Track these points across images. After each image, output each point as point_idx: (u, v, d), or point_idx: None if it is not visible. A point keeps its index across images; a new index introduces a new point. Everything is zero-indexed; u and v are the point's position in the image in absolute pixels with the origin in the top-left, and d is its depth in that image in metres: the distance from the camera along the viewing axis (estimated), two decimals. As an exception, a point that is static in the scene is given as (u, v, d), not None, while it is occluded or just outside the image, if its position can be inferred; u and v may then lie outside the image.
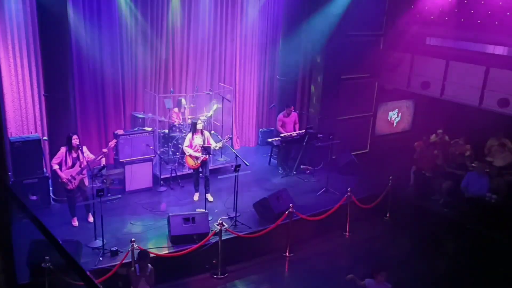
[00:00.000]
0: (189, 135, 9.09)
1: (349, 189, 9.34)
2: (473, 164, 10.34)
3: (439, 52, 11.17)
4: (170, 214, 8.16)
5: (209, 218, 8.34)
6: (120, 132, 9.57)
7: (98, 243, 7.54)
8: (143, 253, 6.64)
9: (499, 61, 10.09)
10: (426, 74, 11.23)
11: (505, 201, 9.36)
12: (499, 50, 10.20)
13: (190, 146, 9.01)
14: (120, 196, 9.15)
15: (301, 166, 11.11)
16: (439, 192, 10.44)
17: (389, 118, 13.28)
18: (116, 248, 7.43)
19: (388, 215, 10.14)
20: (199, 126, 9.02)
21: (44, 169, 8.83)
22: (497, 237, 8.80)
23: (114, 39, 9.92)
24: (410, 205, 10.49)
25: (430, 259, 8.73)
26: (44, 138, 9.07)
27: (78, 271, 1.51)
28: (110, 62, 9.99)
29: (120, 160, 9.38)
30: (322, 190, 10.12)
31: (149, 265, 6.62)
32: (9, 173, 8.29)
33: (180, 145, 9.91)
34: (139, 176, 9.52)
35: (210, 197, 9.19)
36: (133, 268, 6.65)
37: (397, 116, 13.45)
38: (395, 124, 13.48)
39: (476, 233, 9.07)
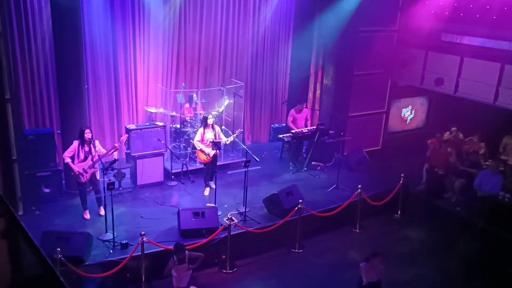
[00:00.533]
0: (201, 130, 9.14)
1: (359, 186, 9.28)
2: (487, 162, 10.20)
3: (453, 48, 11.01)
4: (180, 208, 8.23)
5: (219, 213, 8.38)
6: (132, 126, 9.66)
7: (109, 236, 7.63)
8: (178, 247, 6.77)
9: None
10: (440, 70, 11.08)
11: (519, 200, 9.22)
12: (516, 46, 10.00)
13: (201, 140, 9.06)
14: (131, 189, 9.25)
15: (312, 162, 11.09)
16: (452, 190, 10.32)
17: (402, 115, 13.16)
18: (127, 241, 7.52)
19: (399, 212, 10.06)
20: (210, 121, 9.06)
21: (57, 162, 8.95)
22: (509, 237, 8.67)
23: (127, 33, 10.01)
24: (422, 203, 10.41)
25: (441, 258, 8.64)
26: (58, 131, 9.20)
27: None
28: (123, 57, 10.09)
29: (132, 154, 9.47)
30: (332, 187, 10.09)
31: (187, 252, 6.80)
32: (23, 166, 8.43)
33: (191, 140, 9.96)
34: (150, 170, 9.60)
35: (212, 185, 9.23)
36: (171, 259, 6.80)
37: (411, 113, 13.31)
38: (408, 121, 13.34)
39: (488, 233, 8.96)
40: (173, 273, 6.79)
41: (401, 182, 9.87)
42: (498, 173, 9.53)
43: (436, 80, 11.11)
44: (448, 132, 11.59)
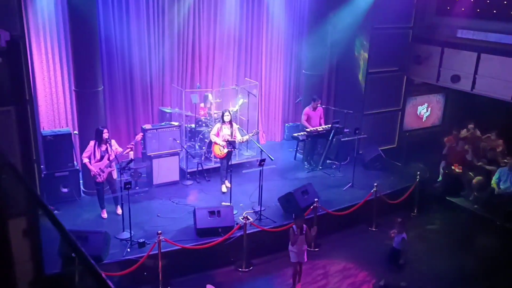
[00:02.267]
0: (218, 124, 9.21)
1: (375, 184, 9.23)
2: (505, 160, 10.06)
3: (470, 44, 10.87)
4: (195, 207, 8.28)
5: (234, 212, 8.41)
6: (148, 126, 9.74)
7: (126, 234, 7.71)
8: (298, 214, 7.35)
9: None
10: (456, 67, 10.96)
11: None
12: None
13: (217, 135, 9.11)
14: (147, 189, 9.33)
15: (327, 161, 11.05)
16: (469, 188, 10.22)
17: (418, 112, 13.04)
18: (143, 240, 7.58)
19: (415, 211, 9.98)
20: (227, 118, 9.10)
21: (75, 162, 9.08)
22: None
23: (142, 34, 10.08)
24: (439, 201, 10.32)
25: (458, 256, 8.55)
26: (75, 132, 9.32)
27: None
28: (138, 58, 10.16)
29: (148, 154, 9.55)
30: (348, 185, 10.04)
31: (304, 225, 7.15)
32: (41, 166, 8.58)
33: (206, 139, 10.02)
34: (166, 169, 9.67)
35: (227, 183, 9.27)
36: (291, 229, 7.15)
37: (427, 110, 13.18)
38: (424, 118, 13.22)
39: (507, 230, 8.84)
40: (292, 248, 7.14)
41: (417, 180, 9.78)
42: (516, 170, 9.39)
43: (452, 77, 10.99)
44: (465, 130, 11.46)
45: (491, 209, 9.53)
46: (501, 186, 9.43)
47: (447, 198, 10.30)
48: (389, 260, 8.16)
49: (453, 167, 10.62)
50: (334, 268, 8.12)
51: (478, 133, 11.39)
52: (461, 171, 10.51)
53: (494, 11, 10.20)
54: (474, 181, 10.09)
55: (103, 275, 1.39)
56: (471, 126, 11.41)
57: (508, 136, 10.92)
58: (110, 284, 1.37)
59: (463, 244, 8.90)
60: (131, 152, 8.89)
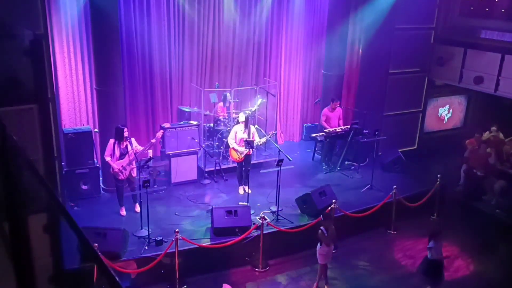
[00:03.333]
0: (235, 128, 9.18)
1: (394, 186, 9.11)
2: (529, 164, 9.83)
3: (494, 46, 10.66)
4: (213, 206, 8.30)
5: (251, 212, 8.40)
6: (167, 125, 9.80)
7: (144, 232, 7.78)
8: (326, 215, 7.47)
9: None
10: (479, 68, 10.76)
11: None
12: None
13: (235, 139, 9.09)
14: (165, 187, 9.39)
15: (346, 162, 10.96)
16: (491, 192, 10.01)
17: (439, 114, 12.84)
18: (161, 238, 7.64)
19: (435, 214, 9.82)
20: (241, 119, 9.07)
21: (95, 159, 9.20)
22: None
23: (162, 34, 10.16)
24: (460, 205, 10.14)
25: (479, 262, 8.38)
26: (95, 130, 9.45)
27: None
28: (158, 57, 10.24)
29: (166, 153, 9.62)
30: (366, 187, 9.94)
31: (332, 226, 7.24)
32: (62, 163, 8.71)
33: (224, 139, 10.03)
34: (184, 168, 9.72)
35: (247, 189, 9.25)
36: (320, 231, 7.20)
37: (448, 112, 12.97)
38: (445, 120, 13.01)
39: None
40: (321, 250, 7.17)
41: (437, 183, 9.63)
42: (541, 175, 9.17)
43: (475, 79, 10.79)
44: (487, 132, 11.23)
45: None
46: (524, 191, 9.22)
47: (468, 202, 10.11)
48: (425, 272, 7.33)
49: (474, 170, 10.42)
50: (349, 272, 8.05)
51: (501, 135, 11.16)
52: (483, 174, 10.31)
53: (520, 12, 9.98)
54: (496, 185, 9.89)
55: (115, 275, 1.41)
56: (494, 128, 11.18)
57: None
58: (120, 284, 1.39)
59: (484, 250, 8.73)
60: (150, 151, 8.97)
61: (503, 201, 9.69)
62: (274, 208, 8.71)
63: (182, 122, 10.15)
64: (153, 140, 8.34)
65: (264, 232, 7.79)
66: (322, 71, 11.72)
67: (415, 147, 12.34)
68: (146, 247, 7.51)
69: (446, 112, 12.93)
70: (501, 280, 7.92)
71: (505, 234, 9.13)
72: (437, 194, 9.69)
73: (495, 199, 9.88)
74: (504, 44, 10.62)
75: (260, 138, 9.29)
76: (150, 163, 8.93)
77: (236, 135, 9.08)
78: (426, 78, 11.92)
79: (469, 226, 9.47)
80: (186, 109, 10.61)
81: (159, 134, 8.53)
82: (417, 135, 12.38)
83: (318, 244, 7.21)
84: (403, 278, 7.89)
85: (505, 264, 8.32)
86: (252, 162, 9.69)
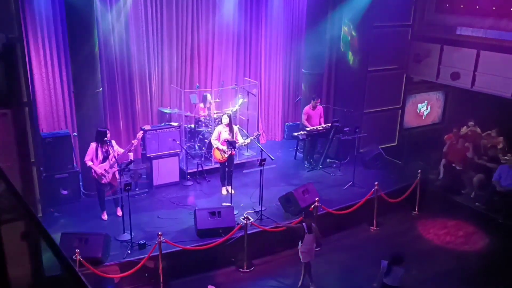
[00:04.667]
0: (218, 128, 9.14)
1: (376, 183, 9.20)
2: (505, 157, 10.03)
3: (469, 42, 10.85)
4: (196, 208, 8.26)
5: (235, 212, 8.38)
6: (147, 127, 9.71)
7: (127, 236, 7.69)
8: (308, 212, 7.53)
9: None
10: (456, 64, 10.95)
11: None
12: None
13: (218, 139, 9.06)
14: (147, 190, 9.31)
15: (328, 160, 11.02)
16: (470, 185, 10.20)
17: (418, 110, 13.02)
18: (144, 241, 7.57)
19: (416, 209, 9.95)
20: (225, 120, 9.04)
21: (75, 164, 9.05)
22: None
23: (140, 35, 10.06)
24: (440, 199, 10.30)
25: (460, 255, 8.52)
26: (74, 134, 9.30)
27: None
28: (137, 59, 10.15)
29: (147, 155, 9.53)
30: (348, 184, 10.02)
31: (313, 224, 7.23)
32: (41, 168, 8.55)
33: (206, 140, 9.99)
34: (166, 170, 9.65)
35: (230, 190, 9.22)
36: (299, 225, 7.26)
37: (427, 108, 13.16)
38: (424, 116, 13.20)
39: (509, 228, 8.82)
40: (302, 248, 7.12)
41: (418, 178, 9.76)
42: (517, 167, 9.37)
43: (452, 75, 10.97)
44: (465, 127, 11.44)
45: (493, 207, 9.51)
46: (502, 184, 9.40)
47: (448, 196, 10.28)
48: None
49: (453, 165, 10.60)
50: (334, 269, 8.10)
51: (478, 130, 11.37)
52: (462, 168, 10.49)
53: (493, 8, 10.18)
54: (475, 178, 10.07)
55: (86, 283, 1.39)
56: (471, 123, 11.39)
57: (508, 133, 10.90)
58: None
59: (465, 243, 8.88)
60: (131, 153, 8.87)
61: (481, 194, 9.87)
62: (257, 208, 8.71)
63: (162, 124, 10.07)
64: (134, 142, 8.26)
65: (248, 232, 7.78)
66: (302, 70, 11.77)
67: (395, 144, 12.48)
68: (129, 251, 7.43)
69: (424, 108, 13.12)
70: (481, 271, 8.07)
71: (484, 226, 9.31)
72: (418, 189, 9.82)
73: (474, 192, 10.06)
74: (479, 40, 10.82)
75: (243, 138, 9.27)
76: (131, 166, 8.84)
77: (220, 135, 9.04)
78: (405, 75, 12.07)
79: (449, 220, 9.63)
80: (167, 110, 10.53)
81: (139, 134, 8.46)
82: (397, 131, 12.53)
83: (300, 243, 7.21)
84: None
85: (483, 255, 8.48)
86: (235, 162, 9.67)
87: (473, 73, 10.59)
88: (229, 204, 8.63)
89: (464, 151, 10.63)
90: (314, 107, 10.78)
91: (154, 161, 9.51)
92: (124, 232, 7.77)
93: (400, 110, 12.43)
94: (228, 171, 9.23)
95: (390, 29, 11.36)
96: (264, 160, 8.44)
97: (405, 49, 11.73)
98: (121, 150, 8.22)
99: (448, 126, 12.22)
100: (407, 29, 11.72)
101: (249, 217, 7.97)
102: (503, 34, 10.38)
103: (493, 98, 10.54)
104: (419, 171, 9.84)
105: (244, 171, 9.33)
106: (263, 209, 8.64)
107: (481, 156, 10.56)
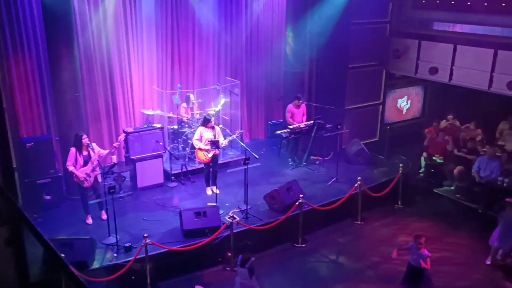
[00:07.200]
0: (200, 128, 9.11)
1: (359, 178, 9.32)
2: (484, 149, 10.26)
3: (446, 37, 11.06)
4: (181, 209, 8.25)
5: (220, 212, 8.41)
6: (130, 129, 9.65)
7: (112, 239, 7.65)
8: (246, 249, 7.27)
9: (507, 43, 9.94)
10: (434, 59, 11.14)
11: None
12: (507, 32, 10.04)
13: (200, 139, 9.04)
14: (132, 192, 9.26)
15: (311, 157, 11.11)
16: (451, 177, 10.40)
17: (398, 105, 13.21)
18: (130, 244, 7.53)
19: (399, 202, 10.11)
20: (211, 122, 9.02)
21: (57, 168, 8.96)
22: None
23: (120, 36, 9.99)
24: (422, 191, 10.48)
25: (443, 245, 8.69)
26: (56, 138, 9.20)
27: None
28: (118, 61, 10.08)
29: (131, 158, 9.47)
30: (332, 180, 10.12)
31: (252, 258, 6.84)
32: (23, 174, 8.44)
33: (189, 140, 9.97)
34: (150, 172, 9.61)
35: (215, 190, 9.24)
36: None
37: (407, 103, 13.36)
38: (404, 111, 13.39)
39: (489, 217, 9.02)
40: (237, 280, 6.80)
41: (400, 172, 9.91)
42: (495, 158, 9.60)
43: (430, 69, 11.16)
44: (444, 120, 11.65)
45: (473, 198, 9.72)
46: (481, 175, 9.61)
47: (429, 188, 10.47)
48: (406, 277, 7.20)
49: (434, 158, 10.80)
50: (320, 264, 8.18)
51: (457, 123, 11.59)
52: (442, 161, 10.70)
53: (468, 3, 10.38)
54: (455, 170, 10.27)
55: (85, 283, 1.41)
56: (450, 117, 11.60)
57: (486, 125, 11.14)
58: None
59: (447, 233, 9.06)
60: (114, 156, 8.82)
61: (462, 186, 10.07)
62: (243, 207, 8.74)
63: (145, 126, 10.04)
64: (116, 144, 8.21)
65: (234, 231, 7.81)
66: (283, 68, 11.83)
67: (377, 139, 12.64)
68: (115, 255, 7.39)
69: (404, 103, 13.31)
70: (464, 261, 8.24)
71: (465, 216, 9.51)
72: (400, 183, 9.97)
73: (455, 184, 10.26)
74: (456, 34, 11.03)
75: (225, 139, 9.27)
76: (115, 169, 8.79)
77: (202, 136, 9.02)
78: (384, 70, 12.24)
79: (432, 212, 9.81)
80: (149, 112, 10.48)
81: (121, 137, 8.42)
82: (378, 126, 12.69)
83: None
84: (373, 267, 8.09)
85: (467, 245, 8.66)
86: (219, 162, 9.68)
87: (450, 67, 10.79)
88: (215, 203, 8.64)
89: (444, 144, 10.84)
90: (297, 106, 10.84)
91: (137, 163, 9.46)
92: (109, 236, 7.72)
93: (380, 106, 12.60)
94: (212, 171, 9.24)
95: (368, 26, 11.50)
96: (248, 159, 8.47)
97: (384, 45, 11.89)
98: (104, 152, 8.17)
99: (428, 120, 12.42)
100: (385, 25, 11.89)
101: (235, 216, 8.00)
102: (478, 28, 10.60)
103: (471, 92, 10.77)
104: (401, 165, 10.01)
105: (228, 171, 9.36)
106: (248, 207, 8.68)
107: (460, 148, 10.77)
